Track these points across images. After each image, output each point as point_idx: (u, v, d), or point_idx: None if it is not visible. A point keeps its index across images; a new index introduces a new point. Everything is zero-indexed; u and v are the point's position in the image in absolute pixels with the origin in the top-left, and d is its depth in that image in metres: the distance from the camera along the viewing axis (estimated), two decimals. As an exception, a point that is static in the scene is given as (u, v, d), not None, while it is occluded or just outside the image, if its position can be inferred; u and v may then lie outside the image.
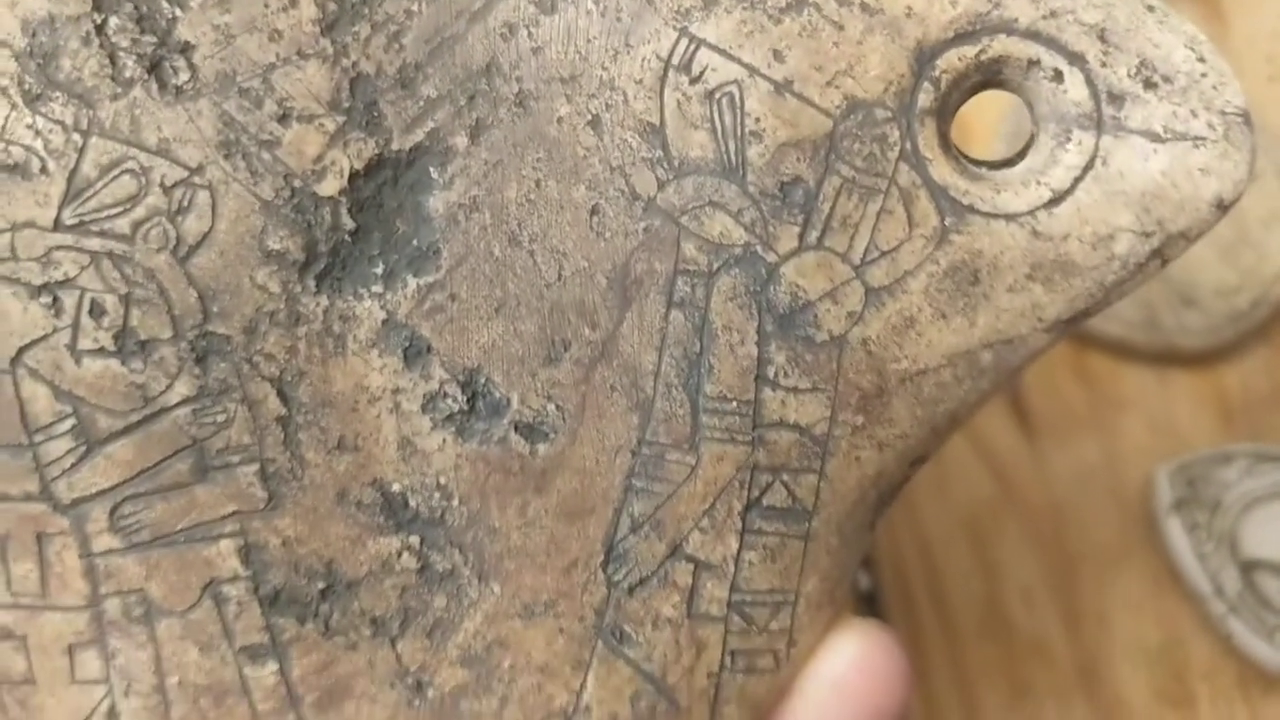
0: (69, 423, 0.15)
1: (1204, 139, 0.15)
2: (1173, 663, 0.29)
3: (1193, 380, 0.32)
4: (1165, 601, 0.29)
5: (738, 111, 0.15)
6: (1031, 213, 0.15)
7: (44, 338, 0.15)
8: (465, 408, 0.15)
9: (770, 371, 0.15)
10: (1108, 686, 0.29)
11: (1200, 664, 0.29)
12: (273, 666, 0.16)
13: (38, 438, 0.15)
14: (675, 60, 0.15)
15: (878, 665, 0.17)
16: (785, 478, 0.16)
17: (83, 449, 0.15)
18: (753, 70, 0.15)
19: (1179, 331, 0.31)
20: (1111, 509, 0.30)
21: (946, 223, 0.15)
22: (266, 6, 0.15)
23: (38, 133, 0.15)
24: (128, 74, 0.15)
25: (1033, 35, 0.15)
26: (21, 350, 0.15)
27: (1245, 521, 0.30)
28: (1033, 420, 0.31)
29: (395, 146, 0.15)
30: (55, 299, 0.15)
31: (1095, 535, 0.30)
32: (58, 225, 0.15)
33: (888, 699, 0.17)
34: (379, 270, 0.15)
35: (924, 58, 0.15)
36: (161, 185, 0.15)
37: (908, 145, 0.15)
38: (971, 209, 0.15)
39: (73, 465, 0.15)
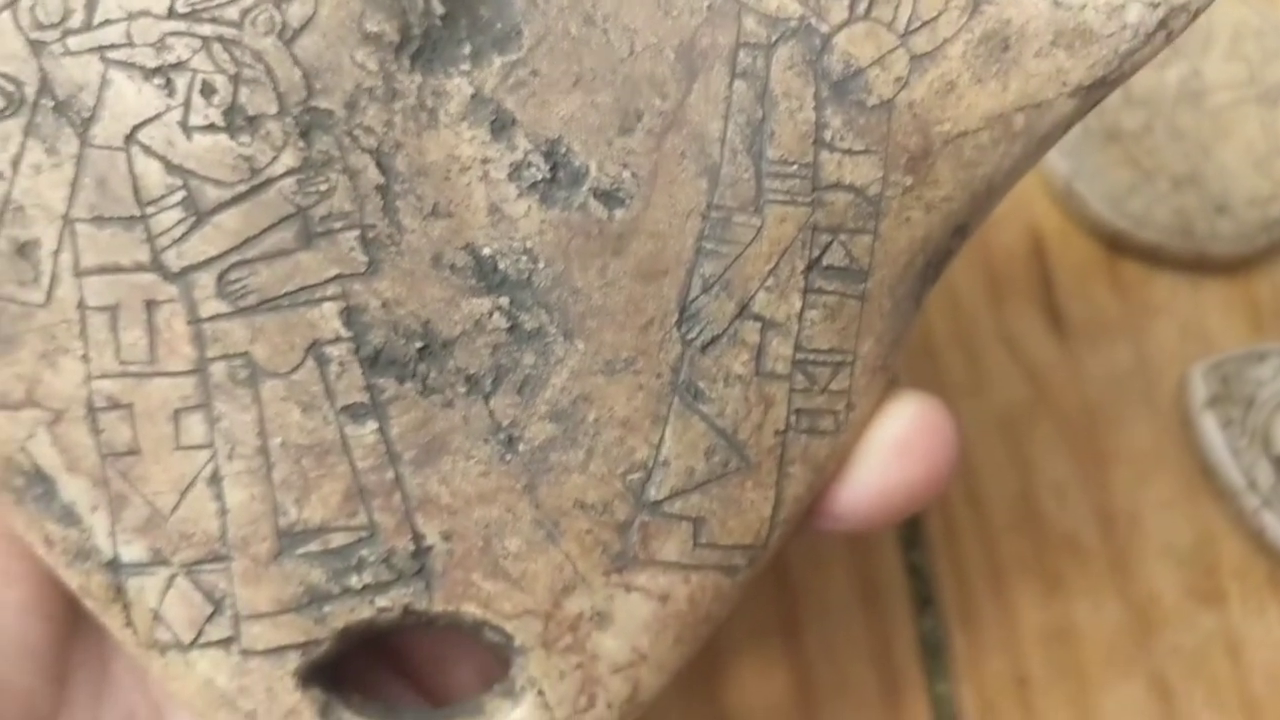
0: (179, 195, 0.19)
1: None
2: (1204, 560, 0.33)
3: (1224, 287, 0.36)
4: (1197, 502, 0.33)
5: (788, -100, 0.19)
6: None
7: (157, 116, 0.19)
8: (548, 176, 0.19)
9: (827, 135, 0.19)
10: (1139, 583, 0.33)
11: (1232, 562, 0.33)
12: (372, 425, 0.19)
13: (149, 210, 0.19)
14: None
15: (937, 425, 0.21)
16: (843, 237, 0.20)
17: (192, 219, 0.19)
18: None
19: (1211, 239, 0.36)
20: (1143, 411, 0.35)
21: None
22: None
23: None
24: None
25: None
26: (136, 128, 0.19)
27: (1279, 419, 0.34)
28: (1066, 325, 0.35)
29: (480, -60, 0.19)
30: (168, 80, 0.19)
31: (1127, 436, 0.34)
32: (171, 13, 0.19)
33: (946, 459, 0.21)
34: (466, 51, 0.19)
35: None
36: None
37: None
38: (999, -18, 0.20)
39: (183, 235, 0.19)
